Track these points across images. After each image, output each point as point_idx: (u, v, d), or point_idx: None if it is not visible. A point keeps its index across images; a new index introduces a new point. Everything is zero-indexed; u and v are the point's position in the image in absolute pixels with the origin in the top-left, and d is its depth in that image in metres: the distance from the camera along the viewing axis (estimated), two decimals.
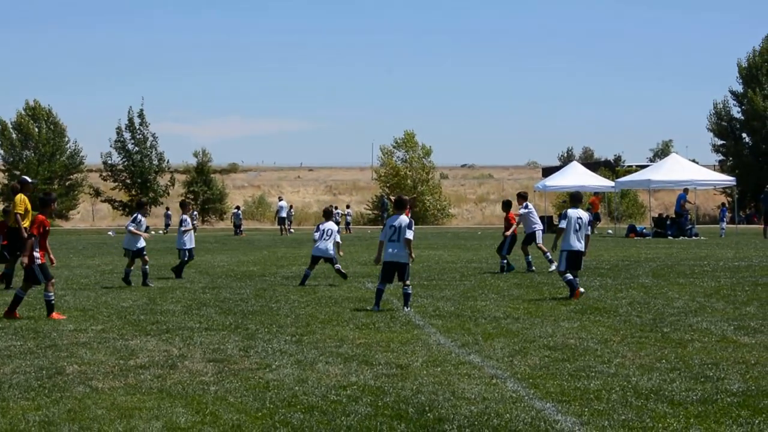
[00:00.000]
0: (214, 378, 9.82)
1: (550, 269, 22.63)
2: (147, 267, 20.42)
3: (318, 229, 20.50)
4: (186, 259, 22.78)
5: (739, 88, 76.70)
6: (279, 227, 58.80)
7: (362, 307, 15.84)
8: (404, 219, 15.53)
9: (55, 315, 14.78)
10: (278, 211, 59.27)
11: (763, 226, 43.37)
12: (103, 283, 20.74)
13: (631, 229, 47.83)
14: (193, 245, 23.08)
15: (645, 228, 49.67)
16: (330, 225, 20.48)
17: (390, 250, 15.46)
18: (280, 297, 17.65)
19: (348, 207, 69.72)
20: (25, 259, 14.72)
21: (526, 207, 24.46)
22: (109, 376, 9.97)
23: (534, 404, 8.45)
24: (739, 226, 57.43)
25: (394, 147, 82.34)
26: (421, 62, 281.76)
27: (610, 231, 52.50)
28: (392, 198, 21.11)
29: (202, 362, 10.76)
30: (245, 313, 15.29)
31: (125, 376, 9.95)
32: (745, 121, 75.51)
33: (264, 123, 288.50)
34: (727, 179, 51.53)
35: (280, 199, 62.35)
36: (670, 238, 43.32)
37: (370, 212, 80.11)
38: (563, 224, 17.07)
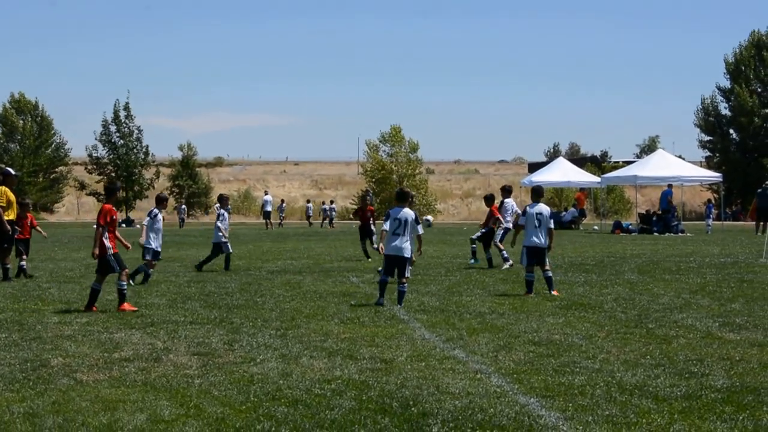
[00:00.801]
0: (199, 371, 9.81)
1: (503, 267, 22.66)
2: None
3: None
4: (230, 251, 22.89)
5: (727, 84, 76.85)
6: (264, 221, 58.68)
7: (347, 302, 15.83)
8: (410, 212, 15.38)
9: (126, 306, 14.68)
10: (263, 205, 59.17)
11: (755, 222, 43.37)
12: (88, 276, 20.63)
13: (617, 226, 47.91)
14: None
15: (631, 224, 49.77)
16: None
17: (394, 243, 15.29)
18: (265, 291, 17.63)
19: (332, 202, 69.55)
20: (96, 251, 14.69)
21: (501, 203, 24.40)
22: (94, 369, 9.95)
23: (518, 399, 8.46)
24: (725, 222, 57.63)
25: (380, 141, 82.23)
26: (407, 57, 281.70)
27: (595, 227, 52.60)
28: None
29: (187, 355, 10.74)
30: (230, 307, 15.26)
31: (110, 369, 9.93)
32: (733, 116, 75.69)
33: (250, 117, 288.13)
34: (713, 176, 51.65)
35: (266, 193, 62.23)
36: (655, 234, 43.41)
37: (355, 207, 79.99)
38: (522, 221, 17.10)
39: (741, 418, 7.76)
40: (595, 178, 56.58)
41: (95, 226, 14.90)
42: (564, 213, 54.56)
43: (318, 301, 15.96)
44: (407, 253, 15.27)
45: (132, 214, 73.84)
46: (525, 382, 9.20)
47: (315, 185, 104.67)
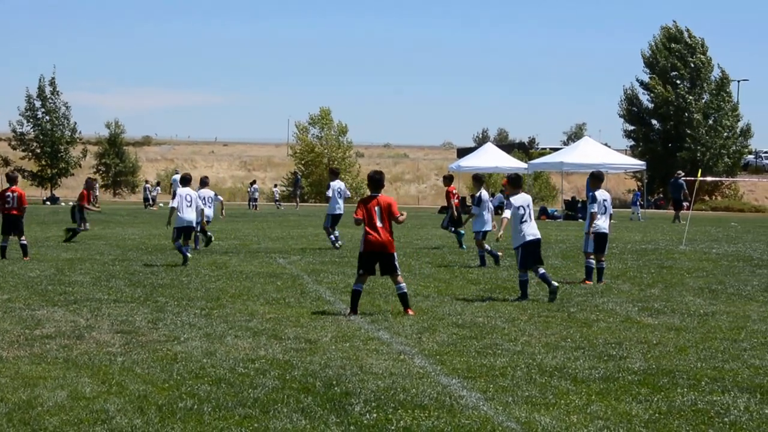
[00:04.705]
0: (122, 349, 9.76)
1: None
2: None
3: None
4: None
5: (645, 77, 77.89)
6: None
7: (273, 282, 15.82)
8: (529, 197, 14.67)
9: (410, 311, 12.62)
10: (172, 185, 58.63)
11: (673, 211, 44.24)
12: (10, 254, 20.28)
13: (543, 212, 48.45)
14: None
15: (556, 210, 50.40)
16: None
17: (529, 230, 14.50)
18: (190, 271, 17.53)
19: (254, 183, 68.85)
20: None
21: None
22: (14, 345, 9.85)
23: (440, 380, 8.57)
24: (647, 210, 58.63)
25: (309, 124, 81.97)
26: (337, 41, 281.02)
27: None
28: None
29: (110, 333, 10.67)
30: (155, 285, 15.16)
31: (30, 346, 9.83)
32: (655, 107, 76.82)
33: (179, 96, 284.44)
34: (637, 164, 52.52)
35: (176, 172, 61.60)
36: (580, 220, 43.93)
37: (284, 188, 79.71)
38: (593, 208, 16.52)
39: (656, 399, 7.97)
40: (523, 165, 57.14)
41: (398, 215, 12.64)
42: (491, 199, 55.01)
43: (244, 282, 15.93)
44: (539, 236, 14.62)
45: (57, 192, 72.64)
46: (447, 364, 9.31)
47: (244, 166, 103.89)
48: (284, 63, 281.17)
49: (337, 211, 23.45)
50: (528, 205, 14.65)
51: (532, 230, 14.52)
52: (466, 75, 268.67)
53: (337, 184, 23.80)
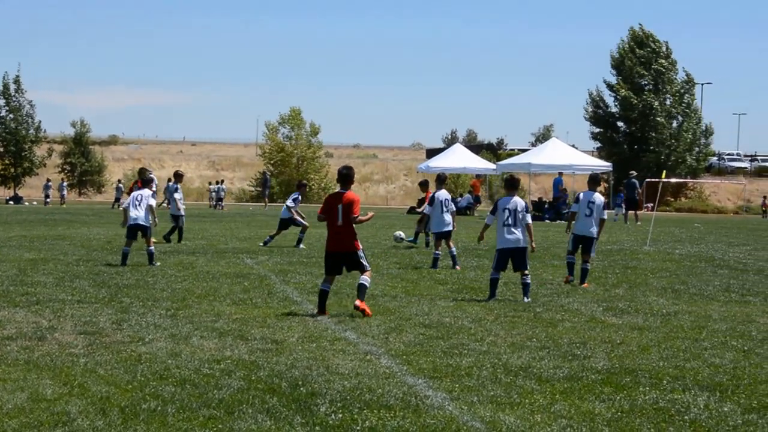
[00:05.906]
0: (85, 350, 9.68)
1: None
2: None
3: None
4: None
5: (613, 79, 78.31)
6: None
7: (240, 283, 15.76)
8: (520, 201, 14.42)
9: (364, 305, 12.47)
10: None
11: (624, 211, 44.74)
12: None
13: None
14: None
15: None
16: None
17: (510, 236, 14.29)
18: (156, 271, 17.43)
19: (220, 182, 68.30)
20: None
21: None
22: None
23: (406, 380, 8.58)
24: (611, 211, 58.94)
25: (279, 123, 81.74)
26: (307, 41, 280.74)
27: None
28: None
29: (73, 334, 10.59)
30: (120, 286, 15.05)
31: None
32: (621, 110, 77.30)
33: (147, 95, 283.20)
34: (603, 165, 52.81)
35: (150, 173, 61.21)
36: (547, 221, 44.21)
37: (252, 189, 79.45)
38: (575, 208, 16.68)
39: (618, 398, 8.03)
40: (491, 165, 57.38)
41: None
42: (459, 199, 55.14)
43: (210, 282, 15.86)
44: (525, 243, 14.40)
45: (21, 192, 72.02)
46: (414, 364, 9.33)
47: (212, 166, 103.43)
48: (253, 63, 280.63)
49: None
50: (515, 210, 14.35)
51: (513, 235, 14.32)
52: (435, 76, 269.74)
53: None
